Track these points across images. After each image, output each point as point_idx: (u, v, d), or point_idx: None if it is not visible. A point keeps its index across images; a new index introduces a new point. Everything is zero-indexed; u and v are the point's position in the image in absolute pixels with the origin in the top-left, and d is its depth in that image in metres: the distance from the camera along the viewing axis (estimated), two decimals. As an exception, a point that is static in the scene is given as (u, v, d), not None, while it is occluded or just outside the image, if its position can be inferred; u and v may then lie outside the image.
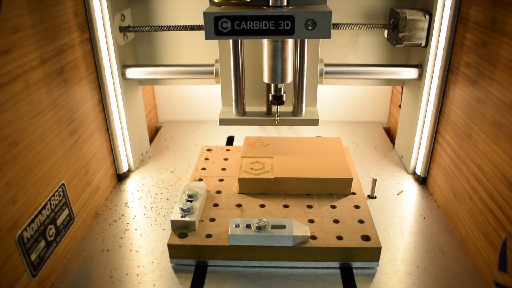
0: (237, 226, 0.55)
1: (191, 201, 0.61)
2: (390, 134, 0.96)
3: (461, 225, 0.60)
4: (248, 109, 0.68)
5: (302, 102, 0.64)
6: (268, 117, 0.66)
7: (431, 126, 0.70)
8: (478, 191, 0.56)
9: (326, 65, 0.71)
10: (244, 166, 0.69)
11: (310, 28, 0.52)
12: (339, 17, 0.76)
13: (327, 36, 0.52)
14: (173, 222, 0.58)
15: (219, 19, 0.52)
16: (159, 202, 0.70)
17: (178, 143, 0.91)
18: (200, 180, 0.71)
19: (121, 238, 0.62)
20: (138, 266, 0.57)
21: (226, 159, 0.77)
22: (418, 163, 0.75)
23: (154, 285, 0.54)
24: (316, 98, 0.69)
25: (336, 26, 0.69)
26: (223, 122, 0.66)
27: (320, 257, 0.55)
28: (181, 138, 0.94)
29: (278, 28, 0.52)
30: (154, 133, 0.99)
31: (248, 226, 0.55)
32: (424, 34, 0.67)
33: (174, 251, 0.56)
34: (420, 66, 0.71)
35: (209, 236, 0.57)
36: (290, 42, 0.58)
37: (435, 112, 0.69)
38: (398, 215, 0.66)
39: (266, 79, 0.61)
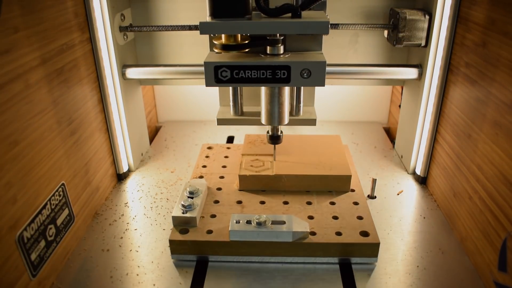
0: (238, 222, 0.56)
1: (192, 198, 0.61)
2: (390, 134, 0.96)
3: (461, 225, 0.60)
4: (245, 109, 0.68)
5: (299, 102, 0.65)
6: None
7: (431, 126, 0.70)
8: (478, 191, 0.56)
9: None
10: (244, 164, 0.69)
11: (306, 76, 0.53)
12: (338, 17, 0.76)
13: (322, 84, 0.54)
14: (174, 218, 0.58)
15: (219, 68, 0.53)
16: (159, 202, 0.70)
17: (178, 143, 0.91)
18: (201, 177, 0.71)
19: (121, 238, 0.62)
20: (138, 266, 0.57)
21: (226, 157, 0.77)
22: (418, 163, 0.75)
23: (154, 285, 0.54)
24: (313, 98, 0.69)
25: (335, 26, 0.69)
26: (221, 122, 0.66)
27: (319, 252, 0.56)
28: (181, 138, 0.94)
29: (275, 76, 0.53)
30: (154, 133, 0.99)
31: (249, 222, 0.56)
32: (424, 34, 0.67)
33: (175, 246, 0.56)
34: (420, 66, 0.71)
35: (210, 232, 0.57)
36: (286, 88, 0.59)
37: (435, 112, 0.69)
38: (398, 215, 0.66)
39: (264, 121, 0.62)
